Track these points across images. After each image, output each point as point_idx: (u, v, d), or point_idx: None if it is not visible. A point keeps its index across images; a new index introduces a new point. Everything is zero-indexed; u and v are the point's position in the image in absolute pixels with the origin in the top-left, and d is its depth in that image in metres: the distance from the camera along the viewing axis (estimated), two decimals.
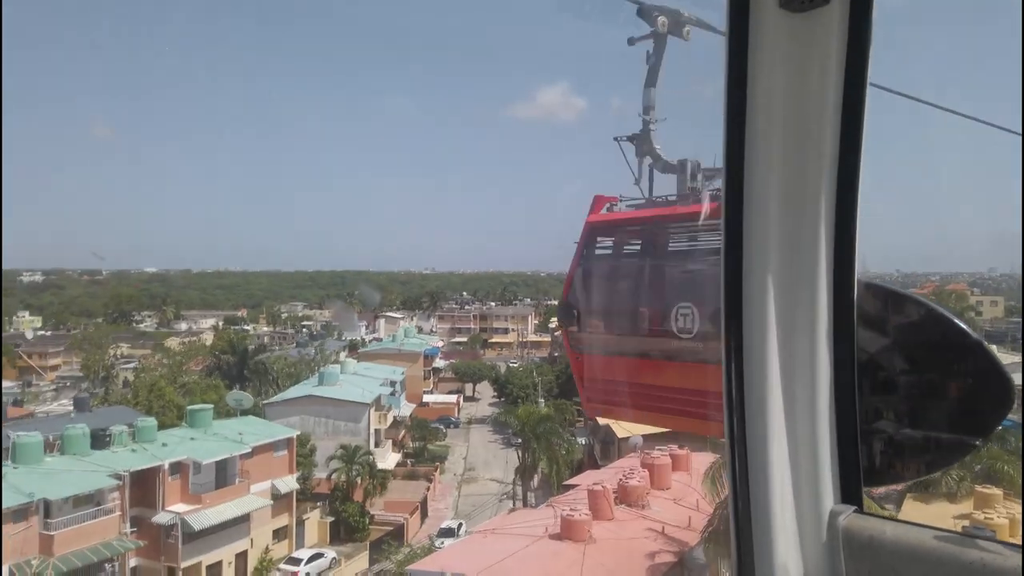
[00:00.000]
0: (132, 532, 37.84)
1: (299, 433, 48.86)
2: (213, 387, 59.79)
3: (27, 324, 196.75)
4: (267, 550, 44.19)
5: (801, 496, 1.93)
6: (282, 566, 42.75)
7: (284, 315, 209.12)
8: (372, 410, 58.66)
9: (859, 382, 1.93)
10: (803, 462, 1.94)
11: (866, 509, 1.93)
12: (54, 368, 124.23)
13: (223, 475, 42.13)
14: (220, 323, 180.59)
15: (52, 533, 32.25)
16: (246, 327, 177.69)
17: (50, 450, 37.35)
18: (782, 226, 1.91)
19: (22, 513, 31.79)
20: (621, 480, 32.33)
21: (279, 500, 45.52)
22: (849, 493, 1.94)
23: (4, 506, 31.14)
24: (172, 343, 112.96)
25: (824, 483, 1.93)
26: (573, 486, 37.53)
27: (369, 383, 62.45)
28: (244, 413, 49.06)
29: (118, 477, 35.94)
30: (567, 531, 27.43)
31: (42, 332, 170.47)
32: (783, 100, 1.87)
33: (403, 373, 72.55)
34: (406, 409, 69.75)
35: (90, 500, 34.85)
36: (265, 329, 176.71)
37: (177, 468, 39.59)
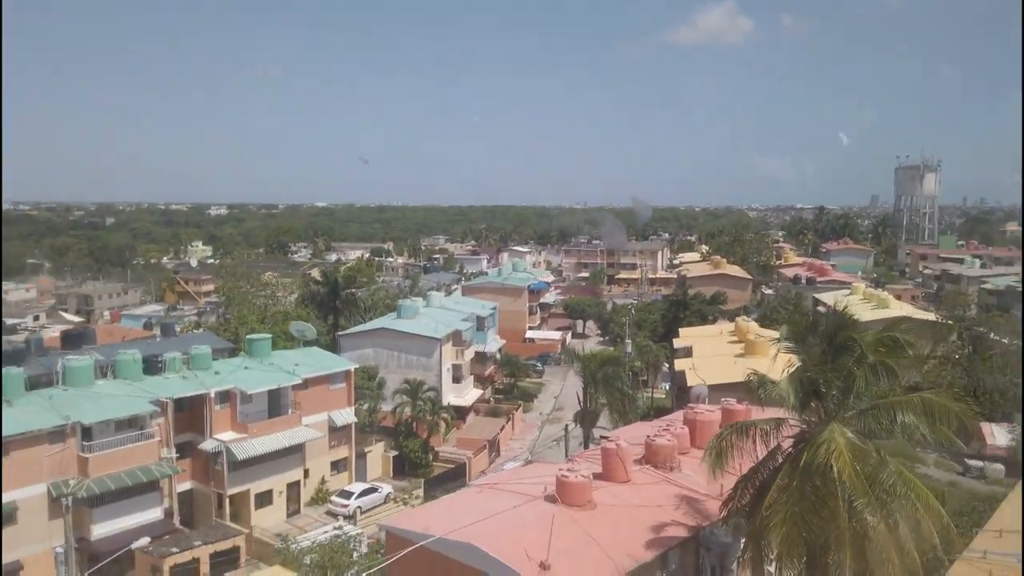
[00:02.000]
0: (183, 458, 38.83)
1: (359, 366, 48.20)
2: (301, 317, 60.66)
3: (198, 253, 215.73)
4: (323, 481, 44.25)
5: None
6: (334, 498, 42.58)
7: (424, 247, 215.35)
8: (448, 345, 57.23)
9: None
10: None
11: None
12: (207, 294, 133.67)
13: (275, 405, 42.14)
14: (366, 254, 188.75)
15: (87, 456, 33.22)
16: (388, 259, 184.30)
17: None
18: None
19: (59, 435, 32.86)
20: (648, 437, 28.24)
21: (336, 432, 45.27)
22: None
23: (42, 426, 32.44)
24: (315, 273, 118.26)
25: None
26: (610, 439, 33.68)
27: (450, 317, 60.95)
28: (308, 344, 48.93)
29: (159, 403, 36.47)
30: (562, 494, 24.03)
31: (211, 260, 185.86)
32: None
33: (493, 308, 70.53)
34: (494, 345, 67.95)
35: (133, 424, 35.65)
36: (400, 260, 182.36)
37: (225, 397, 39.87)
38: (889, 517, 19.70)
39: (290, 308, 65.60)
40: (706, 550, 23.91)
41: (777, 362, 22.24)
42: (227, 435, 39.51)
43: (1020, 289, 76.35)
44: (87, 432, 33.85)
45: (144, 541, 29.07)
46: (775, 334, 45.91)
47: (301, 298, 71.31)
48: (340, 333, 56.70)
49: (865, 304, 68.37)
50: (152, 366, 39.66)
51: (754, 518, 20.74)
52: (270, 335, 46.30)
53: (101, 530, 33.32)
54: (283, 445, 40.69)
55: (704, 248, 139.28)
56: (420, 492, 44.28)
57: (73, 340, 46.73)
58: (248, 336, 45.97)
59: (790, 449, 21.07)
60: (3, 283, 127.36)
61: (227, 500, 38.70)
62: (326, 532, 33.04)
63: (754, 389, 21.95)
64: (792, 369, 20.31)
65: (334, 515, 41.23)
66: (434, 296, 67.10)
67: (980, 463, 48.43)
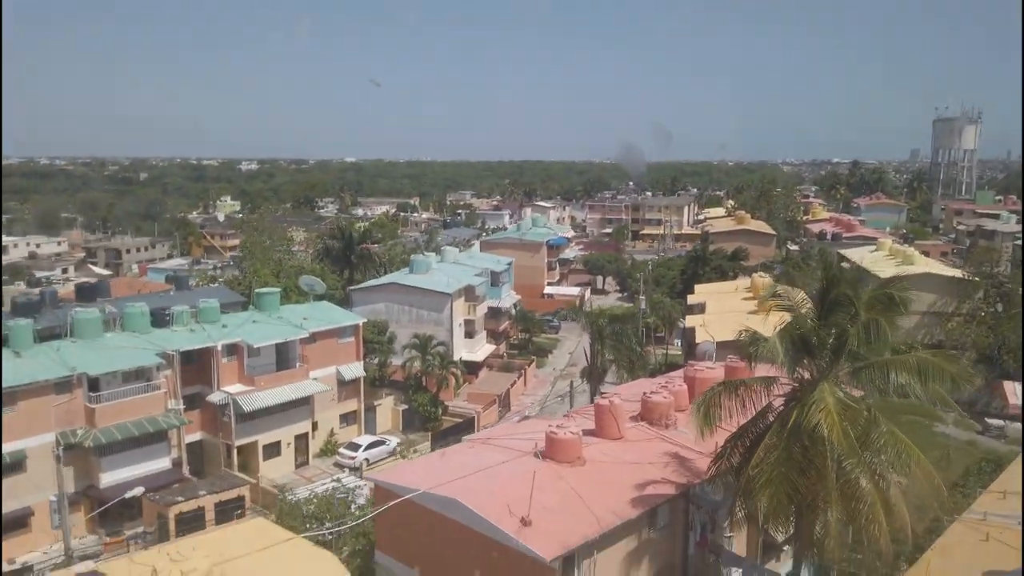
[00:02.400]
0: (192, 409, 39.42)
1: (368, 321, 48.24)
2: (315, 272, 60.79)
3: (227, 208, 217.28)
4: (332, 433, 44.72)
5: None
6: (342, 450, 43.06)
7: (450, 203, 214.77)
8: (460, 300, 57.02)
9: None
10: None
11: None
12: (232, 248, 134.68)
13: (284, 359, 42.43)
14: (392, 209, 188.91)
15: (94, 406, 33.78)
16: (414, 214, 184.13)
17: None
18: None
19: (65, 386, 33.42)
20: (644, 394, 27.81)
21: (345, 386, 45.57)
22: None
23: (48, 377, 32.99)
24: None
25: None
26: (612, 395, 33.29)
27: (463, 273, 60.59)
28: (319, 298, 48.99)
29: (165, 356, 36.87)
30: (551, 450, 23.80)
31: (239, 215, 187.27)
32: None
33: (509, 263, 69.97)
34: (508, 300, 67.61)
35: (140, 376, 36.12)
36: (424, 216, 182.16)
37: (233, 350, 40.19)
38: (879, 478, 19.16)
39: (305, 263, 65.73)
40: (696, 507, 23.60)
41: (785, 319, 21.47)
42: (234, 387, 39.95)
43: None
44: (94, 383, 34.38)
45: (139, 490, 29.58)
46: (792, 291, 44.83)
47: (317, 253, 71.41)
48: (352, 288, 56.76)
49: (890, 260, 66.54)
50: (160, 319, 40.02)
51: (742, 477, 20.33)
52: (279, 289, 46.43)
53: (109, 478, 34.04)
54: (289, 398, 41.08)
55: (730, 203, 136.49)
56: (427, 445, 44.53)
57: (87, 293, 47.31)
58: (257, 290, 46.11)
59: (782, 407, 20.53)
60: (34, 238, 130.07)
61: (235, 451, 39.30)
62: (324, 484, 33.37)
63: (746, 346, 21.32)
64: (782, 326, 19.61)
65: (342, 467, 41.74)
66: (448, 251, 66.71)
67: (1001, 422, 47.37)
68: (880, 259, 68.13)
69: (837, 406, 18.38)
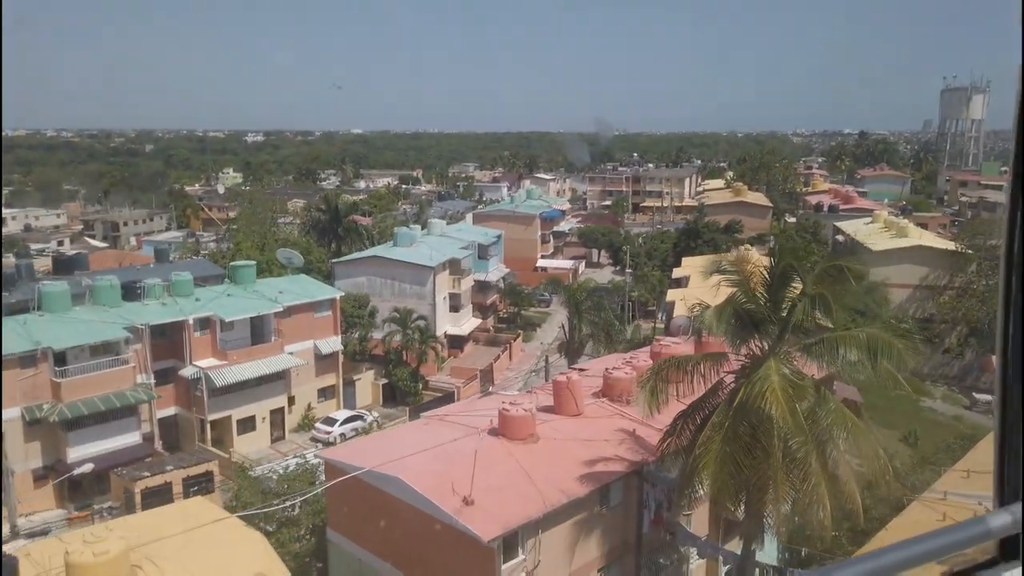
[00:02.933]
0: (165, 384, 39.22)
1: (345, 294, 47.81)
2: (301, 245, 60.29)
3: (229, 180, 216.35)
4: (309, 408, 44.51)
5: None
6: (318, 425, 42.85)
7: (452, 175, 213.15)
8: (444, 273, 56.43)
9: None
10: None
11: None
12: (231, 220, 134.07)
13: (258, 333, 42.11)
14: (393, 182, 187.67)
15: (59, 380, 33.55)
16: (416, 186, 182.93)
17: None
18: None
19: (30, 359, 33.16)
20: (606, 370, 27.29)
21: (324, 360, 45.28)
22: None
23: (12, 351, 32.71)
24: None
25: None
26: (582, 370, 32.85)
27: (449, 246, 59.93)
28: (298, 272, 48.54)
29: (135, 330, 36.54)
30: (504, 427, 23.36)
31: (243, 187, 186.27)
32: None
33: (498, 236, 69.24)
34: (496, 273, 66.99)
35: (108, 350, 35.84)
36: (424, 188, 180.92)
37: (206, 324, 39.85)
38: (828, 457, 18.66)
39: (291, 235, 65.20)
40: (651, 486, 23.17)
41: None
42: (207, 362, 39.66)
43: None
44: (61, 357, 34.12)
45: (88, 467, 29.50)
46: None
47: (303, 225, 70.83)
48: (334, 261, 56.23)
49: (884, 232, 65.47)
50: (133, 293, 39.65)
51: (691, 456, 19.87)
52: (254, 263, 45.94)
53: (77, 453, 33.88)
54: (263, 372, 40.79)
55: (729, 175, 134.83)
56: (405, 420, 44.27)
57: (64, 266, 47.04)
58: (232, 263, 45.65)
59: (733, 384, 19.99)
60: (33, 210, 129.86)
61: (208, 426, 39.13)
62: (287, 461, 33.15)
63: (698, 322, 20.74)
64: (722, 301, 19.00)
65: (318, 441, 41.55)
66: (435, 224, 65.97)
67: (989, 397, 46.79)
68: (875, 232, 67.05)
69: (782, 383, 17.79)
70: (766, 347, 19.22)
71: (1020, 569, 1.73)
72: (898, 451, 29.01)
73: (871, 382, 24.90)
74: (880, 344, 17.73)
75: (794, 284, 18.97)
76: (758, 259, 50.57)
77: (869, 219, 72.53)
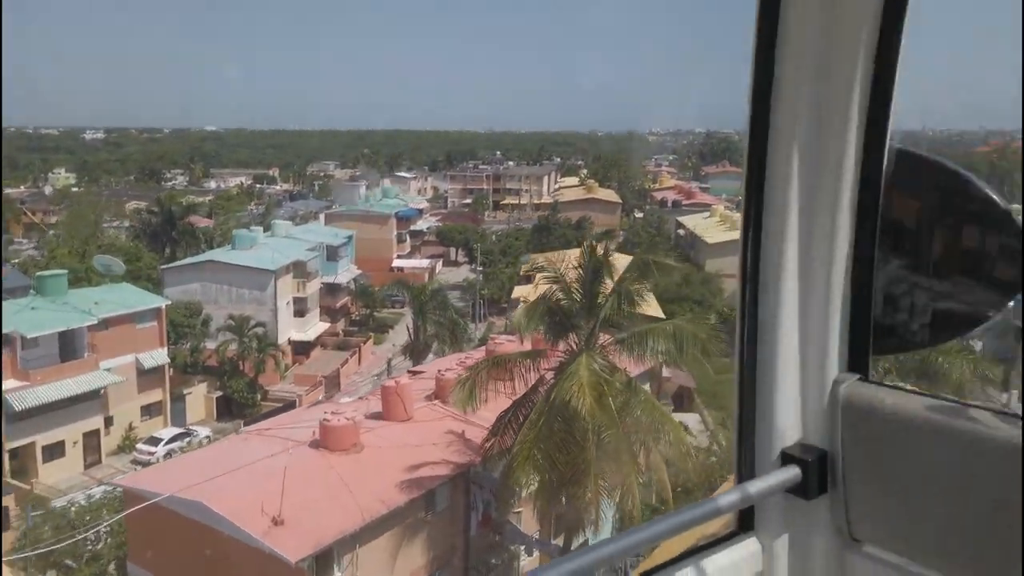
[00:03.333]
0: None
1: (172, 303, 44.52)
2: (130, 251, 55.68)
3: (60, 182, 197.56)
4: (131, 427, 40.95)
5: (807, 364, 1.95)
6: (140, 446, 39.41)
7: (310, 174, 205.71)
8: (287, 277, 53.85)
9: (879, 253, 1.87)
10: (813, 331, 1.93)
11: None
12: (55, 226, 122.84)
13: (69, 349, 38.20)
14: (246, 181, 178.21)
15: None
16: (273, 186, 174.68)
17: None
18: (813, 89, 1.82)
19: None
20: (439, 372, 26.67)
21: (147, 375, 41.83)
22: (856, 362, 1.93)
23: None
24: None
25: (831, 352, 1.93)
26: (419, 372, 32.15)
27: (294, 247, 57.26)
28: (116, 280, 44.59)
29: None
30: (325, 439, 22.14)
31: (75, 189, 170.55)
32: None
33: (349, 236, 67.10)
34: (347, 275, 64.91)
35: None
36: (279, 188, 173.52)
37: (6, 341, 35.59)
38: (641, 446, 18.91)
39: (117, 240, 60.09)
40: (478, 487, 22.73)
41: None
42: (7, 383, 35.43)
43: None
44: None
45: None
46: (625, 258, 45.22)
47: (134, 229, 65.56)
48: (163, 267, 52.21)
49: (720, 226, 69.22)
50: None
51: (510, 455, 19.60)
52: (64, 272, 41.67)
53: None
54: (74, 392, 37.02)
55: (583, 173, 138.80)
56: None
57: None
58: (38, 273, 41.23)
59: (552, 381, 19.88)
60: None
61: (4, 455, 34.95)
62: (91, 490, 30.15)
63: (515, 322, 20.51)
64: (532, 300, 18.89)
65: (139, 464, 38.19)
66: (279, 225, 62.96)
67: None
68: (712, 225, 70.80)
69: (592, 378, 17.79)
70: (576, 344, 19.25)
71: (754, 537, 1.93)
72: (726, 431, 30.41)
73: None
74: (685, 335, 18.14)
75: (607, 281, 19.12)
76: (577, 257, 52.03)
77: (708, 213, 76.51)
